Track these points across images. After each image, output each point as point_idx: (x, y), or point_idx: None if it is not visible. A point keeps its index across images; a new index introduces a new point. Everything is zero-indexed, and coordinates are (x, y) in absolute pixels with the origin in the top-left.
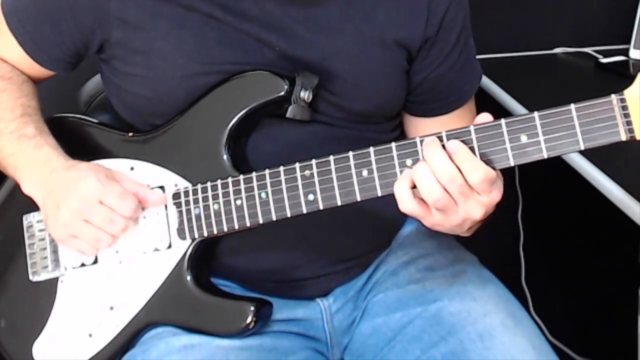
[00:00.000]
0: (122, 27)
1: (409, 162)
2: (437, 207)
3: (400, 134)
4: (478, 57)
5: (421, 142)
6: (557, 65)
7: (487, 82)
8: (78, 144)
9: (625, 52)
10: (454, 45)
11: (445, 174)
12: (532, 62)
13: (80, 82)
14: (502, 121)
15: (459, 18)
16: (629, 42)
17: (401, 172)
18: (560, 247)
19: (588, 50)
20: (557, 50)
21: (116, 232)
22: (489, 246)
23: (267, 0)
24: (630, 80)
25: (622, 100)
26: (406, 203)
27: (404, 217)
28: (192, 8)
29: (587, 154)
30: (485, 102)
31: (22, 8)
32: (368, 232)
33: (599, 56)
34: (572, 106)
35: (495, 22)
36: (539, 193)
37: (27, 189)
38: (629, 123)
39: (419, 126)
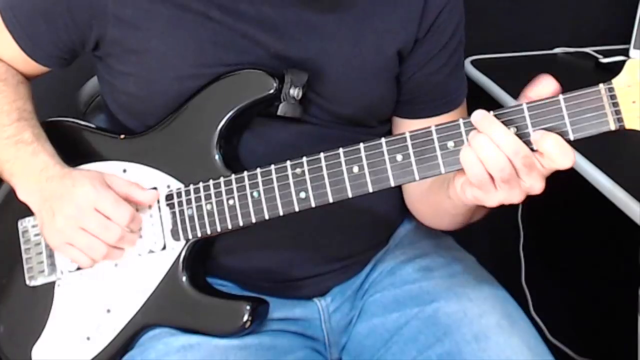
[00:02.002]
0: (118, 25)
1: (399, 157)
2: (503, 176)
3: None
4: (478, 57)
5: (411, 136)
6: (557, 65)
7: (487, 82)
8: (71, 148)
9: (625, 52)
10: (443, 48)
11: (511, 146)
12: (532, 62)
13: (79, 83)
14: (491, 113)
15: (452, 23)
16: (629, 42)
17: (392, 167)
18: (560, 247)
19: (588, 50)
20: (557, 50)
21: (112, 241)
22: (488, 246)
23: (264, 2)
24: None
25: (610, 90)
26: (474, 168)
27: (400, 215)
28: (188, 8)
29: (586, 154)
30: (486, 102)
31: (17, 3)
32: (364, 231)
33: (599, 56)
34: (561, 97)
35: (495, 22)
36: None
37: (22, 196)
38: (617, 112)
39: (407, 129)
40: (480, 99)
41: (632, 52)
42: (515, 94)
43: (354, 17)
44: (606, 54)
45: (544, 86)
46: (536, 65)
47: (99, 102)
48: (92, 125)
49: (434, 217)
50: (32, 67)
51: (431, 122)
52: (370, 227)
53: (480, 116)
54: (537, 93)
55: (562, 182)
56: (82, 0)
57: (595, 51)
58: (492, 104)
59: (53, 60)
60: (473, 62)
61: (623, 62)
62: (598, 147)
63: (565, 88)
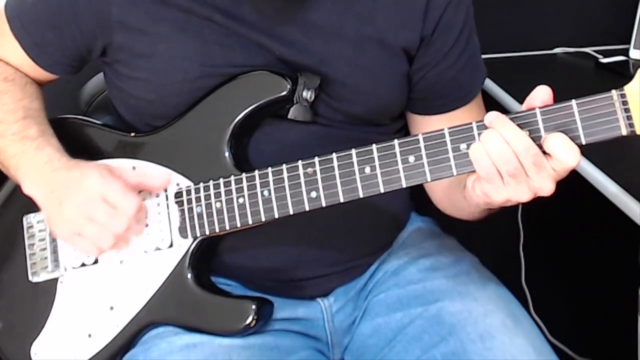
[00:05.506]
0: (124, 31)
1: (411, 158)
2: (509, 170)
3: (403, 137)
4: None
5: (424, 138)
6: (557, 65)
7: (487, 82)
8: (80, 145)
9: (625, 52)
10: (453, 45)
11: (521, 143)
12: (532, 62)
13: (81, 82)
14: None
15: (459, 18)
16: (629, 42)
17: (404, 168)
18: (560, 247)
19: (588, 50)
20: (557, 50)
21: (119, 231)
22: (489, 246)
23: (265, 6)
24: (630, 80)
25: (623, 96)
26: (482, 160)
27: (405, 219)
28: (192, 12)
29: (587, 154)
30: (486, 102)
31: (24, 11)
32: (370, 234)
33: (599, 56)
34: (573, 102)
35: (495, 22)
36: None
37: (27, 188)
38: (629, 118)
39: (422, 125)
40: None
41: (632, 52)
42: (516, 94)
43: (356, 16)
44: (606, 54)
45: (535, 95)
46: (536, 65)
47: (100, 102)
48: (102, 123)
49: (452, 210)
50: (40, 74)
51: (447, 117)
52: (376, 230)
53: (493, 116)
54: (529, 103)
55: (562, 182)
56: (87, 8)
57: (595, 51)
58: (492, 105)
59: (61, 68)
60: None
61: (623, 62)
62: (598, 147)
63: (566, 88)
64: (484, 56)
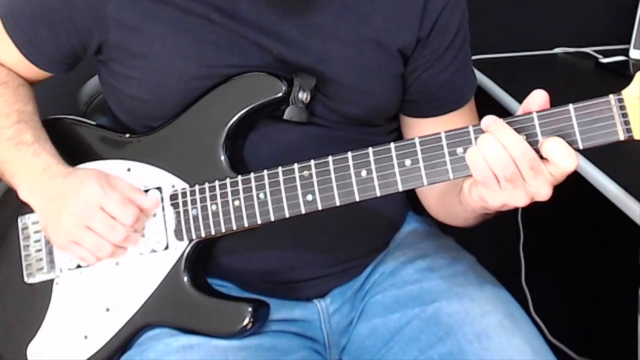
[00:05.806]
0: (120, 29)
1: (407, 162)
2: (506, 175)
3: (398, 137)
4: (478, 57)
5: (420, 142)
6: (557, 65)
7: (487, 82)
8: (75, 146)
9: (625, 52)
10: (448, 47)
11: (518, 148)
12: (532, 62)
13: (80, 83)
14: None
15: (455, 21)
16: (629, 42)
17: (400, 172)
18: (560, 247)
19: (588, 50)
20: (557, 50)
21: (117, 241)
22: (489, 246)
23: (264, 5)
24: (630, 80)
25: (620, 100)
26: (478, 165)
27: (402, 219)
28: (190, 11)
29: (586, 154)
30: (485, 102)
31: (18, 9)
32: (366, 235)
33: (599, 56)
34: (571, 106)
35: (495, 22)
36: None
37: (24, 195)
38: (626, 123)
39: (416, 127)
40: (480, 100)
41: (632, 52)
42: (516, 94)
43: (353, 16)
44: (606, 54)
45: (532, 99)
46: (536, 65)
47: (99, 102)
48: (97, 124)
49: (447, 217)
50: (35, 72)
51: (440, 121)
52: (372, 230)
53: (490, 120)
54: (525, 107)
55: (563, 182)
56: (82, 6)
57: (595, 51)
58: (492, 105)
59: (55, 66)
60: (473, 62)
61: (623, 62)
62: (598, 147)
63: (566, 88)
64: (484, 56)
